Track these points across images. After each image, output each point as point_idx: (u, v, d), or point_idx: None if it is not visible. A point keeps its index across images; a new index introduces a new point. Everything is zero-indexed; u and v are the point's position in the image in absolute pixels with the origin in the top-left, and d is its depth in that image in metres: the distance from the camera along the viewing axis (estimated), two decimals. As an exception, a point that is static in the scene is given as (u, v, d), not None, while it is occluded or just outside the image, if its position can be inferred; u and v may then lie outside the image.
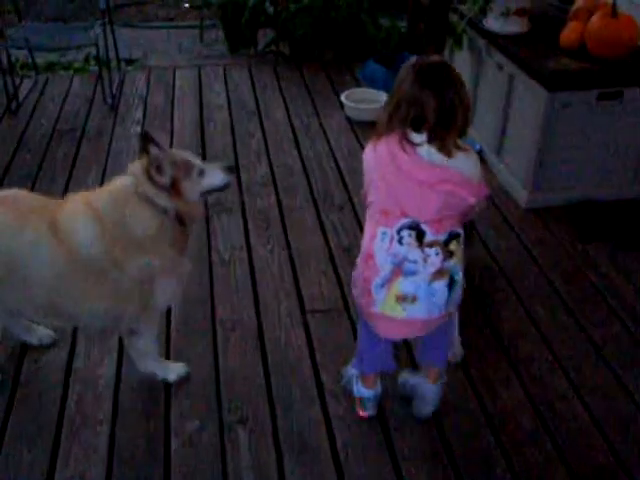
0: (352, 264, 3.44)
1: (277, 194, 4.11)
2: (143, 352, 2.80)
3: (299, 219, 3.89)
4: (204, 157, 4.42)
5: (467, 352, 3.00)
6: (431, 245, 2.24)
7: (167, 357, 2.99)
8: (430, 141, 2.20)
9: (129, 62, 5.95)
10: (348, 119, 4.96)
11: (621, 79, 3.85)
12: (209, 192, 2.63)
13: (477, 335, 3.14)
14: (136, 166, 2.47)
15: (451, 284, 2.31)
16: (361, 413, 2.74)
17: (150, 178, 2.41)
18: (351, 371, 2.79)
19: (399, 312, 2.32)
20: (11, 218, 2.47)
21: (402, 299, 2.29)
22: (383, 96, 5.03)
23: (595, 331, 3.18)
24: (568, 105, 3.81)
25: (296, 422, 2.73)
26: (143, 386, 2.87)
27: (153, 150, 2.38)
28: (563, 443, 2.66)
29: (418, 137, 2.21)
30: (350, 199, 4.08)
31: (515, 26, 4.26)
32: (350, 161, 4.46)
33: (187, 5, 7.39)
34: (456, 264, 2.30)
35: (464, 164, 2.24)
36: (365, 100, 5.02)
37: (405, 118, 2.19)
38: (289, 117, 4.99)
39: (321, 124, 4.89)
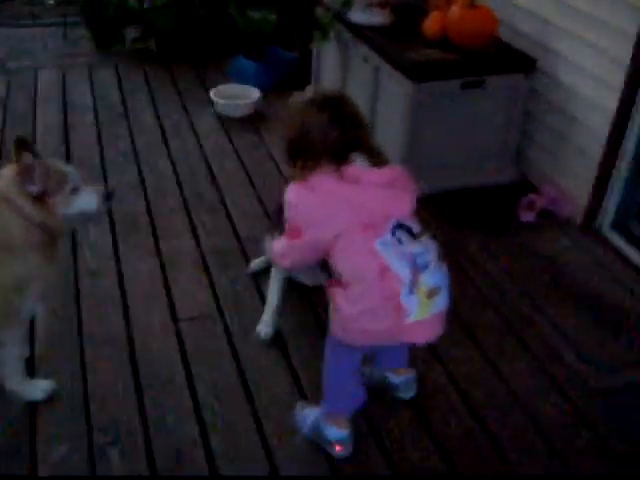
0: (225, 267, 3.50)
1: (146, 198, 3.97)
2: (7, 366, 2.65)
3: (169, 223, 3.78)
4: (68, 163, 4.22)
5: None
6: (421, 235, 2.27)
7: (32, 377, 2.84)
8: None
9: (-13, 63, 5.64)
10: (218, 116, 4.86)
11: (482, 68, 3.93)
12: (77, 214, 2.52)
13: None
14: (8, 171, 2.38)
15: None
16: (339, 449, 2.61)
17: (19, 185, 2.34)
18: (311, 414, 2.66)
19: (432, 308, 2.27)
20: None
21: (432, 294, 2.24)
22: (253, 91, 4.98)
23: (468, 316, 3.24)
24: (432, 95, 3.86)
25: (171, 438, 2.64)
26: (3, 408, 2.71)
27: (25, 157, 2.31)
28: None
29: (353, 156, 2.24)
30: (222, 199, 3.99)
31: (378, 18, 4.29)
32: (221, 159, 4.38)
33: (52, 2, 7.06)
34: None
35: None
36: (235, 96, 4.93)
37: (328, 150, 2.21)
38: (158, 117, 4.84)
39: (191, 123, 4.77)
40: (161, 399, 2.79)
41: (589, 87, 3.74)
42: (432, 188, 4.06)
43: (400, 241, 2.21)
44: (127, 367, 2.92)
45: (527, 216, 3.93)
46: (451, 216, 3.94)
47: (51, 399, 2.75)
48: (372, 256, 2.19)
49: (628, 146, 3.60)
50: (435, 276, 2.24)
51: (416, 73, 3.81)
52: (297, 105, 2.30)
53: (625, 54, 3.43)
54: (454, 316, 3.11)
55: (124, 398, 2.79)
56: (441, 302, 2.28)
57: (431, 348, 3.02)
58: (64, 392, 2.79)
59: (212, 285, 3.36)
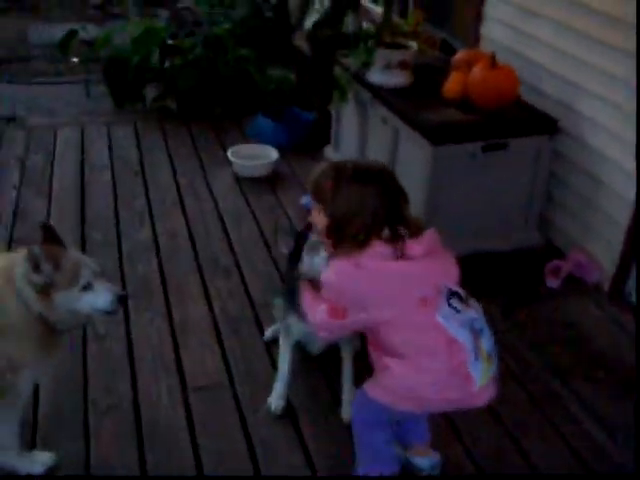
0: (238, 334, 3.37)
1: (159, 260, 3.89)
2: (3, 442, 2.53)
3: (182, 286, 3.68)
4: (83, 222, 4.18)
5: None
6: (468, 299, 2.29)
7: (33, 444, 2.73)
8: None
9: (9, 120, 5.65)
10: (236, 176, 4.80)
11: (505, 130, 3.84)
12: (87, 311, 2.39)
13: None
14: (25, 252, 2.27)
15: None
16: None
17: (27, 272, 2.24)
18: None
19: (491, 372, 2.27)
20: None
21: (490, 357, 2.26)
22: (270, 150, 4.93)
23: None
24: (452, 157, 3.77)
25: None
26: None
27: (34, 249, 2.20)
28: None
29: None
30: (237, 263, 3.89)
31: (397, 79, 4.22)
32: (237, 221, 4.29)
33: (75, 60, 7.13)
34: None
35: None
36: (252, 156, 4.88)
37: (378, 225, 2.18)
38: (174, 176, 4.79)
39: (207, 183, 4.71)
40: (166, 470, 2.68)
41: (615, 149, 3.63)
42: (454, 253, 3.95)
43: (457, 310, 2.21)
44: (132, 437, 2.80)
45: (553, 282, 3.79)
46: (473, 282, 3.75)
47: (51, 470, 2.64)
48: (437, 331, 2.18)
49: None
50: (490, 339, 2.27)
51: (435, 135, 3.72)
52: (338, 178, 2.21)
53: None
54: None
55: (128, 470, 2.68)
56: (494, 367, 2.28)
57: (452, 425, 2.87)
58: (65, 461, 2.68)
59: (223, 353, 3.25)
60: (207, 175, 4.82)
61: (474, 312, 2.26)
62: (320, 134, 5.13)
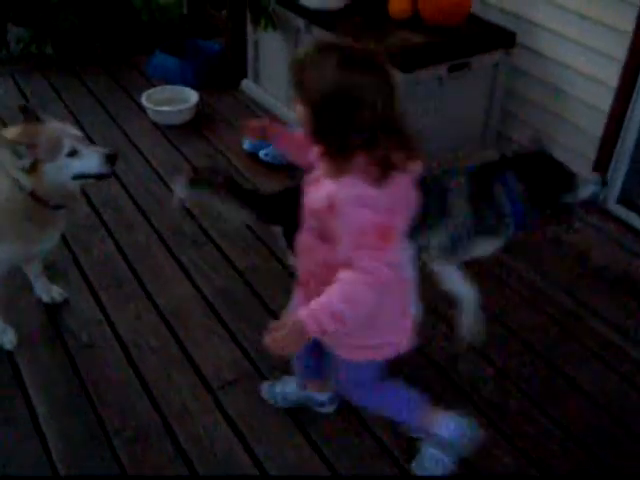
0: (238, 310, 3.04)
1: (114, 239, 3.40)
2: None
3: (154, 267, 3.24)
4: None
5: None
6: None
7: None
8: None
9: None
10: (155, 125, 4.27)
11: (467, 48, 3.64)
12: (81, 177, 2.45)
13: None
14: (8, 133, 2.39)
15: None
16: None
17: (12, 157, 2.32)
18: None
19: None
20: None
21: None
22: (188, 92, 4.42)
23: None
24: (420, 83, 3.53)
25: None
26: None
27: (10, 135, 2.34)
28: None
29: None
30: (202, 228, 3.48)
31: (336, 1, 3.86)
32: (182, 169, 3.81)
33: None
34: None
35: None
36: (169, 100, 4.35)
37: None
38: (85, 134, 4.16)
39: (129, 139, 4.14)
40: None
41: (575, 56, 3.52)
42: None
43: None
44: (175, 458, 2.44)
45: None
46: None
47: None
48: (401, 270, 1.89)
49: (635, 117, 3.42)
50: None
51: (402, 61, 3.44)
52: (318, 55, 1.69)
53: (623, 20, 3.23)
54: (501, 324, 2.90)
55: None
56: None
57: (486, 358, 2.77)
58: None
59: (233, 336, 2.90)
60: (124, 129, 4.24)
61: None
62: (231, 66, 4.67)
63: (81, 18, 4.77)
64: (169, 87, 4.47)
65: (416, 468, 2.42)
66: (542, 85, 3.74)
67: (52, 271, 3.11)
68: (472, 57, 3.62)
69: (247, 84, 4.60)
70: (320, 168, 1.84)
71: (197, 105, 4.34)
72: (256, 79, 4.52)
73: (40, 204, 2.41)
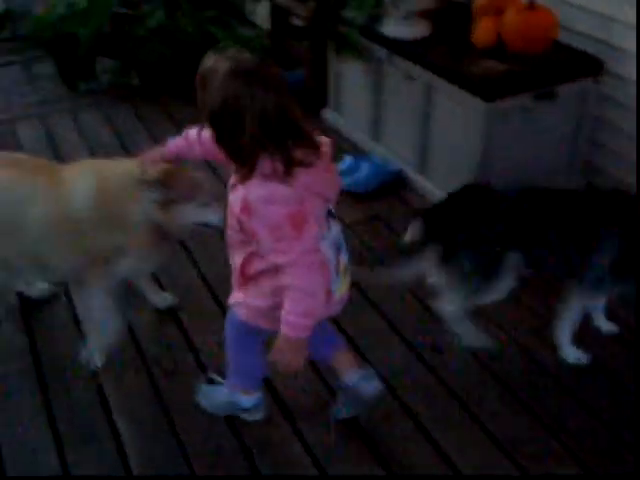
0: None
1: (198, 269, 3.44)
2: (93, 312, 2.84)
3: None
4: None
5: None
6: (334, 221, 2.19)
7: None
8: None
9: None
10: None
11: (552, 76, 3.57)
12: (201, 224, 2.67)
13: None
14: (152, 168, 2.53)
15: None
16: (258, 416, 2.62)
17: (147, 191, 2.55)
18: (222, 392, 2.61)
19: (347, 284, 2.28)
20: (13, 172, 2.69)
21: (346, 271, 2.25)
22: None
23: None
24: (505, 111, 3.47)
25: None
26: None
27: (152, 172, 2.50)
28: None
29: None
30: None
31: (419, 30, 3.86)
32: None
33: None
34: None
35: None
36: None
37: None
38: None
39: (213, 168, 4.20)
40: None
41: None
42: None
43: (329, 228, 2.13)
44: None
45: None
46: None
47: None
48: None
49: None
50: (346, 251, 2.23)
51: (487, 89, 3.41)
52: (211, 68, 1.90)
53: None
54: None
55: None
56: (350, 273, 2.27)
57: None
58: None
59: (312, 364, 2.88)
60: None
61: (338, 225, 2.19)
62: (312, 95, 4.71)
63: (166, 50, 4.90)
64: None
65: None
66: (633, 114, 3.63)
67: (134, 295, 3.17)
68: (558, 85, 3.55)
69: (327, 113, 4.63)
70: (233, 175, 2.04)
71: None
72: (337, 108, 4.55)
73: (161, 232, 2.66)
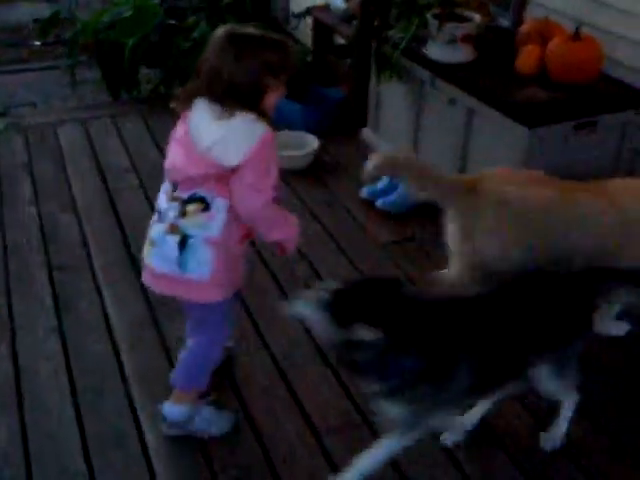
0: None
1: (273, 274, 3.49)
2: None
3: (265, 307, 3.27)
4: (125, 238, 3.70)
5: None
6: (174, 200, 2.32)
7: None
8: None
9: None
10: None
11: (594, 106, 3.55)
12: None
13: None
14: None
15: (183, 244, 2.30)
16: None
17: None
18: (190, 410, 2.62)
19: (147, 257, 2.40)
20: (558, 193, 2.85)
21: (150, 243, 2.39)
22: (308, 137, 4.51)
23: None
24: (547, 139, 3.46)
25: None
26: None
27: None
28: None
29: None
30: (313, 268, 3.52)
31: (462, 54, 3.87)
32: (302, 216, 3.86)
33: (38, 43, 6.45)
34: (191, 227, 2.30)
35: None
36: (289, 145, 4.43)
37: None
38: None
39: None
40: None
41: None
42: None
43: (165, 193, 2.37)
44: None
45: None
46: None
47: None
48: None
49: None
50: (157, 232, 2.35)
51: (529, 116, 3.40)
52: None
53: None
54: None
55: None
56: (152, 256, 2.38)
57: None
58: None
59: (339, 381, 2.87)
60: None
61: (165, 207, 2.35)
62: (352, 114, 4.73)
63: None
64: (288, 132, 4.55)
65: None
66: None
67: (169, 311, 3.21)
68: (599, 116, 3.53)
69: (367, 133, 4.65)
70: None
71: (316, 151, 4.42)
72: (376, 128, 4.56)
73: None
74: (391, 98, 4.35)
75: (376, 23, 4.34)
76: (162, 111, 4.96)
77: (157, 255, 2.36)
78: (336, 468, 2.53)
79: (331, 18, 5.05)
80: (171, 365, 2.91)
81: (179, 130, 2.34)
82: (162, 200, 2.37)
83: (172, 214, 2.31)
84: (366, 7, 4.40)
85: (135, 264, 3.37)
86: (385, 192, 3.98)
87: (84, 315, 3.20)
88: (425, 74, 3.97)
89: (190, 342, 2.59)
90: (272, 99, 2.30)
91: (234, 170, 2.22)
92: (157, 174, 4.13)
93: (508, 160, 3.51)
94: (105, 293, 3.32)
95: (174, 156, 2.33)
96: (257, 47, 2.22)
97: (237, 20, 5.24)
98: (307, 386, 2.88)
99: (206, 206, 2.28)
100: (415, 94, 4.12)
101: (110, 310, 3.22)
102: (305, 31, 5.56)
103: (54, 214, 3.90)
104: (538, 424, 2.71)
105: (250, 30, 2.29)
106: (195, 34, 4.99)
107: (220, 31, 2.25)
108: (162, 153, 4.49)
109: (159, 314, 3.19)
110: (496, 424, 2.71)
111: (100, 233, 3.75)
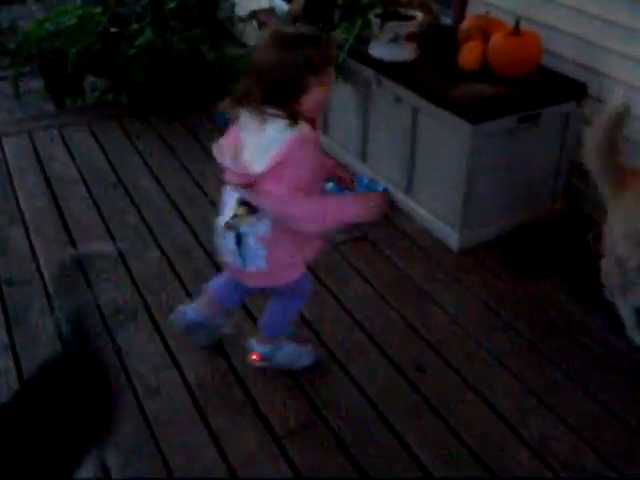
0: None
1: (182, 284, 3.45)
2: None
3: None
4: (74, 247, 3.65)
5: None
6: (231, 197, 2.49)
7: None
8: None
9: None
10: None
11: (536, 100, 3.62)
12: None
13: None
14: None
15: (239, 240, 2.45)
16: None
17: None
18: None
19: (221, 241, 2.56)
20: None
21: (217, 235, 2.58)
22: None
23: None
24: (491, 134, 3.52)
25: None
26: None
27: None
28: None
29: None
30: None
31: (406, 52, 3.91)
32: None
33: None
34: (242, 226, 2.44)
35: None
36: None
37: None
38: (160, 185, 4.24)
39: (201, 187, 4.23)
40: None
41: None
42: (491, 232, 3.75)
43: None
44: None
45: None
46: (520, 264, 3.61)
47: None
48: None
49: None
50: (219, 226, 2.53)
51: (472, 112, 3.45)
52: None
53: None
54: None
55: None
56: (223, 248, 2.56)
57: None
58: None
59: (298, 384, 2.89)
60: (196, 179, 4.30)
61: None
62: (301, 117, 4.73)
63: (156, 69, 4.93)
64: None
65: None
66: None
67: (123, 314, 3.18)
68: (542, 108, 3.60)
69: (316, 134, 4.66)
70: None
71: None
72: (325, 130, 4.57)
73: None
74: (339, 99, 4.36)
75: (319, 25, 4.34)
76: (108, 119, 4.98)
77: (223, 244, 2.55)
78: (297, 470, 2.55)
79: (276, 21, 5.05)
80: (125, 371, 2.91)
81: (232, 133, 2.39)
82: (225, 193, 2.52)
83: (228, 212, 2.47)
84: (309, 9, 4.43)
85: (87, 274, 3.33)
86: (337, 192, 3.98)
87: (36, 329, 3.15)
88: (370, 73, 4.00)
89: (278, 298, 2.79)
90: (316, 97, 2.29)
91: (261, 176, 2.28)
92: (105, 183, 4.21)
93: (454, 155, 3.57)
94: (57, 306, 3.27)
95: (224, 159, 2.38)
96: (295, 43, 2.24)
97: (182, 25, 5.23)
98: (266, 391, 2.88)
99: (252, 209, 2.41)
100: (362, 94, 4.15)
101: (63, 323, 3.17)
102: (252, 34, 5.57)
103: (2, 228, 3.83)
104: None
105: (292, 29, 2.44)
106: (140, 41, 4.95)
107: (266, 32, 2.40)
108: (109, 161, 4.47)
109: (112, 323, 3.16)
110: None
111: (49, 245, 3.69)
